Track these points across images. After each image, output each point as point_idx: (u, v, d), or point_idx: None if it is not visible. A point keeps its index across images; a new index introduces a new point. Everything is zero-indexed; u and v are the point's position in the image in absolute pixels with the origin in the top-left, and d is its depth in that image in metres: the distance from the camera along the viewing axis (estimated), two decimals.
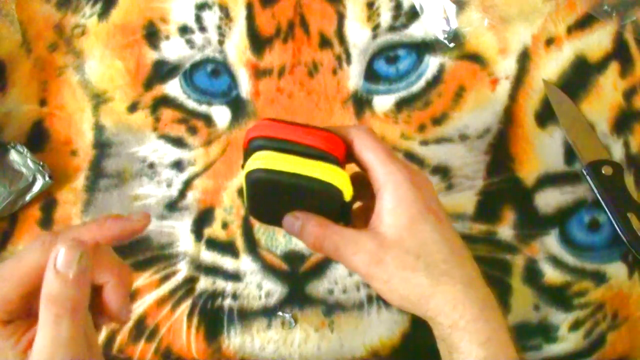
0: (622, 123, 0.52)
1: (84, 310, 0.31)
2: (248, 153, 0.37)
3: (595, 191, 0.51)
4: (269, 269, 0.51)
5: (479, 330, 0.36)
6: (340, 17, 0.54)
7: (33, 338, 0.31)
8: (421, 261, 0.36)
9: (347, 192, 0.37)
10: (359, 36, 0.53)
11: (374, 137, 0.38)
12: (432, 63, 0.53)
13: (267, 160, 0.36)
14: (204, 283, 0.51)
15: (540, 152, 0.52)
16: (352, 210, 0.40)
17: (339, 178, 0.36)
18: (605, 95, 0.53)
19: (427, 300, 0.36)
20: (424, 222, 0.37)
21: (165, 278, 0.51)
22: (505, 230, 0.51)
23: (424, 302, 0.36)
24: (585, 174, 0.51)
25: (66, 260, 0.30)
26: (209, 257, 0.51)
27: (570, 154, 0.52)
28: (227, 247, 0.51)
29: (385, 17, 0.54)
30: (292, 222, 0.39)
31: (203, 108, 0.53)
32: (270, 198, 0.39)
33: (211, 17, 0.54)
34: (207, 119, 0.53)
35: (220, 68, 0.54)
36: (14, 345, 0.31)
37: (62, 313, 0.30)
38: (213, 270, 0.51)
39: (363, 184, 0.39)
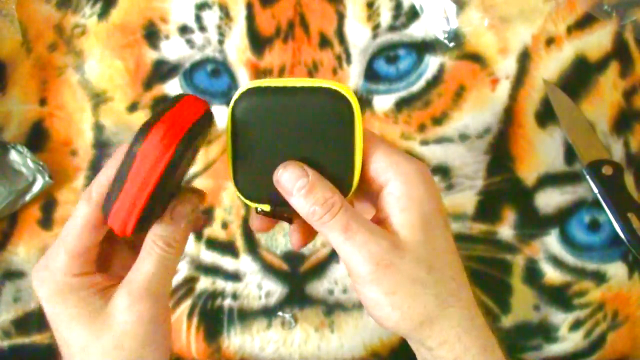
0: (622, 123, 0.52)
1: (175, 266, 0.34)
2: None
3: (595, 191, 0.51)
4: (269, 269, 0.51)
5: None
6: (340, 17, 0.54)
7: (112, 286, 0.33)
8: (433, 275, 0.31)
9: (356, 106, 0.32)
10: (359, 36, 0.53)
11: (369, 129, 0.34)
12: (432, 63, 0.53)
13: (257, 82, 0.32)
14: (204, 283, 0.51)
15: (541, 152, 0.52)
16: None
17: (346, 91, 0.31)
18: (605, 95, 0.53)
19: (431, 325, 0.31)
20: (436, 226, 0.32)
21: None
22: (505, 230, 0.51)
23: (427, 327, 0.31)
24: (585, 173, 0.51)
25: (181, 211, 0.33)
26: (209, 257, 0.51)
27: (570, 154, 0.52)
28: (227, 247, 0.51)
29: (385, 17, 0.54)
30: (298, 176, 0.32)
31: None
32: (259, 136, 0.32)
33: (211, 17, 0.54)
34: None
35: (220, 68, 0.54)
36: (95, 292, 0.33)
37: (168, 251, 0.33)
38: (213, 270, 0.51)
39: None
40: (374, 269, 0.30)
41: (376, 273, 0.31)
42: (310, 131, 0.32)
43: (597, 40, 0.53)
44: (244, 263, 0.51)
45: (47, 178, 0.51)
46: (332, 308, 0.50)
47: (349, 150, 0.32)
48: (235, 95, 0.32)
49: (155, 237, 0.33)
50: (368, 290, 0.31)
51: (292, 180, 0.31)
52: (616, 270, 0.50)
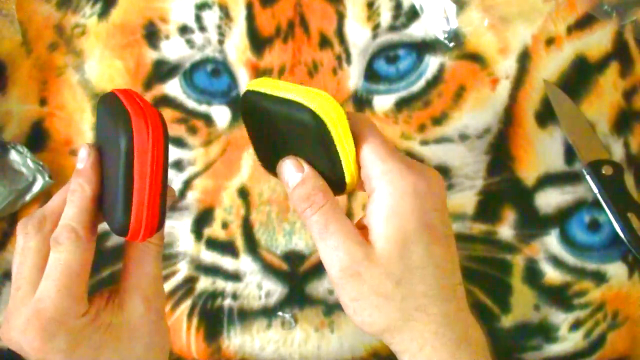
0: (622, 123, 0.52)
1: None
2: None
3: (595, 191, 0.51)
4: (269, 269, 0.51)
5: None
6: (340, 17, 0.54)
7: (109, 299, 0.36)
8: (400, 290, 0.31)
9: (334, 124, 0.31)
10: (359, 36, 0.53)
11: (374, 128, 0.33)
12: (432, 63, 0.53)
13: (263, 82, 0.34)
14: (204, 283, 0.51)
15: (541, 152, 0.52)
16: None
17: (326, 103, 0.31)
18: (606, 95, 0.53)
19: (393, 334, 0.32)
20: (417, 241, 0.32)
21: (165, 278, 0.51)
22: (505, 230, 0.51)
23: (389, 335, 0.33)
24: (585, 173, 0.51)
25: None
26: (209, 257, 0.51)
27: (570, 154, 0.52)
28: (227, 247, 0.51)
29: (385, 17, 0.54)
30: (293, 169, 0.34)
31: (203, 108, 0.53)
32: (265, 131, 0.35)
33: (211, 17, 0.54)
34: (207, 119, 0.53)
35: (220, 68, 0.54)
36: (106, 312, 0.35)
37: (161, 244, 0.36)
38: (213, 270, 0.51)
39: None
40: (340, 274, 0.32)
41: (341, 279, 0.32)
42: (300, 137, 0.33)
43: (597, 40, 0.53)
44: (244, 263, 0.51)
45: (47, 178, 0.51)
46: (332, 308, 0.50)
47: (334, 158, 0.33)
48: (242, 93, 0.35)
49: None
50: (336, 290, 0.33)
51: (287, 174, 0.34)
52: (616, 270, 0.50)
